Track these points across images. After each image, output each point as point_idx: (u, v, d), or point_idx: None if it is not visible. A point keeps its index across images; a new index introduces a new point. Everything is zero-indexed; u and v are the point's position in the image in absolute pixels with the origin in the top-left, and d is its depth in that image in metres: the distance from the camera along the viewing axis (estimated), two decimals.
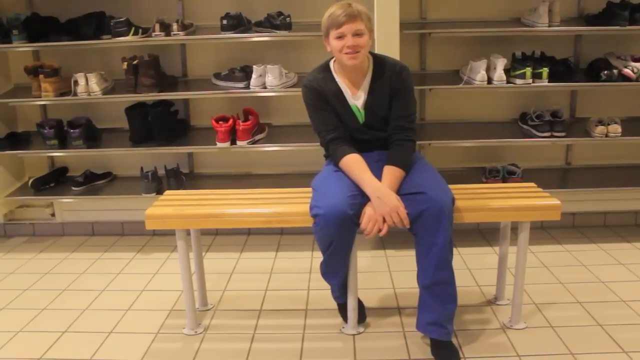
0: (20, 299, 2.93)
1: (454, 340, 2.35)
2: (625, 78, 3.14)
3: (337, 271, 2.38)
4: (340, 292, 2.48)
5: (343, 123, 2.36)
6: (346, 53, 2.22)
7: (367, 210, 2.21)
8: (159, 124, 3.32)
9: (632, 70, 3.12)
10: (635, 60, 3.20)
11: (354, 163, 2.28)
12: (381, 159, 2.33)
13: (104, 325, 2.63)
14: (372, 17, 2.30)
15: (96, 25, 3.23)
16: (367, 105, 2.35)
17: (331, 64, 2.39)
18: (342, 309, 2.56)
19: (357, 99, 2.35)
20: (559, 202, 2.39)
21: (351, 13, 2.19)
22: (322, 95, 2.34)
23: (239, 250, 3.48)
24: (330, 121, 2.35)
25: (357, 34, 2.21)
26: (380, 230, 2.21)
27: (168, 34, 3.18)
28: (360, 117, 2.37)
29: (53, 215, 3.77)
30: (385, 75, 2.33)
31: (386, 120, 2.37)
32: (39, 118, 3.58)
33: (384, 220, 2.20)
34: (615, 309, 2.64)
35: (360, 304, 2.54)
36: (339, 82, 2.35)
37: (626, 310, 2.62)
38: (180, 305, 2.75)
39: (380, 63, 2.36)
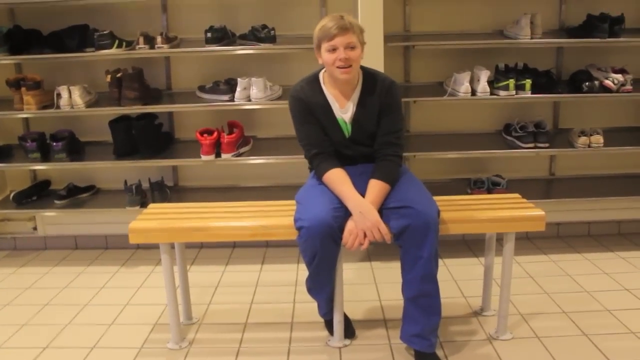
0: (1, 314, 2.88)
1: (439, 352, 2.35)
2: (606, 89, 3.18)
3: (323, 286, 2.36)
4: (327, 307, 2.46)
5: (328, 137, 2.35)
6: (338, 67, 2.20)
7: (349, 225, 2.21)
8: (143, 137, 3.30)
9: (613, 82, 3.16)
10: (616, 71, 3.25)
11: (337, 178, 2.28)
12: (364, 171, 2.33)
13: (86, 340, 2.59)
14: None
15: (79, 38, 3.22)
16: (355, 119, 2.34)
17: (320, 75, 2.36)
18: (329, 325, 2.54)
19: (344, 113, 2.34)
20: (543, 212, 2.40)
21: (343, 25, 2.17)
22: (308, 106, 2.32)
23: (224, 264, 3.45)
24: (315, 135, 2.33)
25: (349, 47, 2.19)
26: (361, 245, 2.20)
27: (152, 47, 3.18)
28: (347, 131, 2.36)
29: (35, 229, 3.72)
30: (375, 90, 2.32)
31: (372, 136, 2.36)
32: (21, 131, 3.55)
33: (365, 235, 2.20)
34: (601, 318, 2.65)
35: (347, 320, 2.52)
36: (327, 94, 2.33)
37: (611, 319, 2.63)
38: (165, 319, 2.72)
39: (370, 77, 2.34)
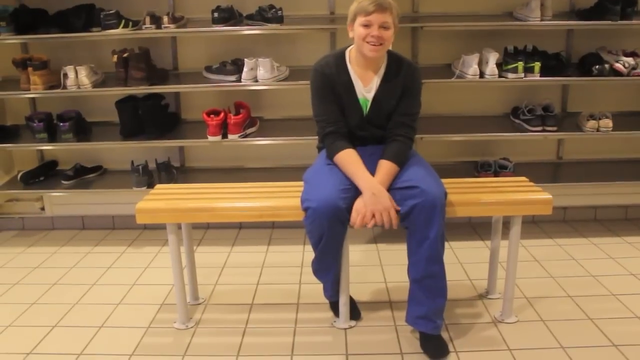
0: (10, 293, 2.91)
1: (444, 334, 2.36)
2: (617, 73, 3.15)
3: (329, 268, 2.37)
4: (333, 289, 2.47)
5: (345, 116, 2.35)
6: (368, 42, 2.20)
7: (357, 204, 2.21)
8: (149, 118, 3.30)
9: (624, 65, 3.13)
10: (627, 54, 3.21)
11: (349, 158, 2.28)
12: (375, 152, 2.33)
13: (94, 319, 2.62)
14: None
15: (86, 17, 3.20)
16: (376, 98, 2.34)
17: (346, 52, 2.36)
18: (334, 307, 2.55)
19: (367, 92, 2.34)
20: (550, 196, 2.39)
21: (382, 3, 2.18)
22: (330, 82, 2.31)
23: (230, 244, 3.46)
24: (332, 113, 2.33)
25: (383, 26, 2.19)
26: (366, 224, 2.21)
27: (159, 27, 3.16)
28: (366, 110, 2.36)
29: (43, 209, 3.74)
30: (400, 72, 2.32)
31: (389, 117, 2.36)
32: (28, 111, 3.55)
33: (373, 216, 2.20)
34: (606, 302, 2.65)
35: (352, 302, 2.53)
36: (351, 72, 2.33)
37: (616, 303, 2.64)
38: (172, 300, 2.74)
39: (395, 59, 2.35)
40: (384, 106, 2.34)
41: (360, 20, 2.21)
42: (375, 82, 2.33)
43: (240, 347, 2.38)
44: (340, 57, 2.35)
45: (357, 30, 2.23)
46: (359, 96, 2.34)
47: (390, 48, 2.35)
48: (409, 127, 2.35)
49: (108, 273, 3.12)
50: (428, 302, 2.24)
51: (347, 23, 2.30)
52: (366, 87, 2.33)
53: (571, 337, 2.37)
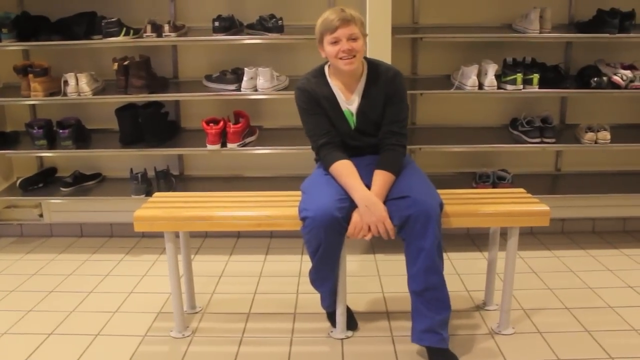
0: (7, 300, 2.90)
1: None
2: (615, 85, 3.17)
3: (326, 278, 2.37)
4: (330, 300, 2.46)
5: (335, 128, 2.36)
6: (341, 58, 2.22)
7: (354, 217, 2.21)
8: (149, 126, 3.30)
9: (622, 78, 3.15)
10: (625, 67, 3.23)
11: (344, 169, 2.28)
12: (371, 162, 2.33)
13: (91, 327, 2.61)
14: (365, 22, 2.31)
15: (87, 25, 3.22)
16: (360, 110, 2.35)
17: (326, 68, 2.39)
18: (331, 317, 2.54)
19: (350, 104, 2.35)
20: (548, 208, 2.39)
21: (345, 17, 2.19)
22: (314, 99, 2.33)
23: (228, 253, 3.46)
24: (322, 125, 2.34)
25: (351, 38, 2.21)
26: (364, 235, 2.21)
27: (159, 35, 3.18)
28: (352, 122, 2.37)
29: (41, 215, 3.74)
30: (379, 80, 2.33)
31: (378, 125, 2.37)
32: (28, 118, 3.56)
33: (369, 229, 2.21)
34: (603, 315, 2.65)
35: (349, 312, 2.53)
36: (332, 86, 2.35)
37: (613, 316, 2.63)
38: (168, 308, 2.74)
39: (374, 68, 2.35)
40: (369, 116, 2.35)
41: (328, 38, 2.23)
42: (357, 94, 2.34)
43: (237, 356, 2.37)
44: (320, 73, 2.38)
45: (327, 49, 2.25)
46: (344, 109, 2.35)
47: (368, 56, 2.37)
48: (398, 134, 2.35)
49: (105, 281, 3.12)
50: (431, 314, 2.20)
51: (316, 44, 2.32)
52: (348, 100, 2.35)
53: (568, 349, 2.36)
